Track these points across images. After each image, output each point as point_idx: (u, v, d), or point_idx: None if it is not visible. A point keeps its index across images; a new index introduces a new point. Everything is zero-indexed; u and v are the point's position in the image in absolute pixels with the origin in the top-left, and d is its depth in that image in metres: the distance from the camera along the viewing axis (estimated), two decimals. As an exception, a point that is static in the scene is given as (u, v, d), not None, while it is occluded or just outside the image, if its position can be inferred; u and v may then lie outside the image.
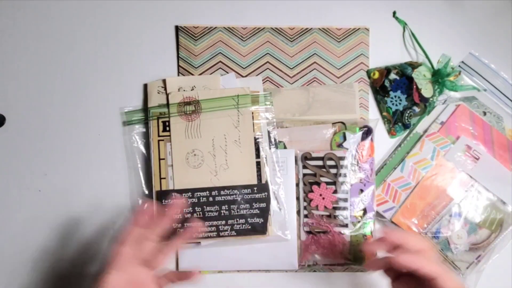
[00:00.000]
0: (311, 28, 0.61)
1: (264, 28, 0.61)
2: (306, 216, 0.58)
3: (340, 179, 0.57)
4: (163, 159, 0.57)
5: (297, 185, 0.58)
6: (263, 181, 0.57)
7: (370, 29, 0.62)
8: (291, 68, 0.61)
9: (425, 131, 0.60)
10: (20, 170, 0.59)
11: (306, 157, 0.58)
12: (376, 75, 0.61)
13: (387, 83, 0.60)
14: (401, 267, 0.46)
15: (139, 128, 0.59)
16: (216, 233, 0.56)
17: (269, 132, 0.58)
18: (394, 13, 0.63)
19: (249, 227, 0.56)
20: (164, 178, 0.57)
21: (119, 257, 0.47)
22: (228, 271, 0.59)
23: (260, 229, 0.56)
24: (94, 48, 0.61)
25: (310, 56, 0.61)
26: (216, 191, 0.56)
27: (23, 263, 0.58)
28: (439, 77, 0.59)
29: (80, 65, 0.61)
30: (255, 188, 0.56)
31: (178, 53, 0.61)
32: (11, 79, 0.60)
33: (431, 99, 0.59)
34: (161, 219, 0.50)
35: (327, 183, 0.57)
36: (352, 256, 0.57)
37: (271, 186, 0.57)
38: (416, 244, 0.47)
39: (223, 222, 0.56)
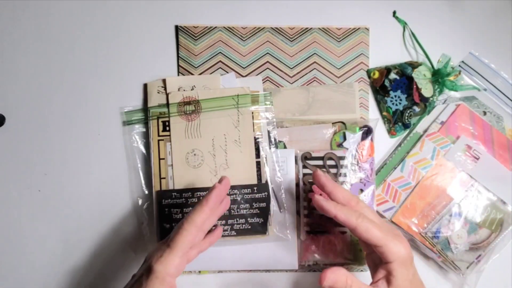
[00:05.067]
0: (311, 28, 0.61)
1: (264, 28, 0.61)
2: (306, 216, 0.58)
3: (340, 178, 0.57)
4: (163, 159, 0.57)
5: (297, 185, 0.58)
6: (263, 181, 0.56)
7: (370, 29, 0.62)
8: (291, 68, 0.61)
9: (425, 131, 0.60)
10: (20, 170, 0.59)
11: (306, 157, 0.58)
12: (376, 75, 0.61)
13: (387, 83, 0.60)
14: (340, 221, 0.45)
15: (139, 128, 0.59)
16: (216, 233, 0.56)
17: (269, 132, 0.58)
18: (394, 13, 0.63)
19: (249, 227, 0.56)
20: (164, 178, 0.57)
21: (186, 239, 0.43)
22: (228, 271, 0.59)
23: (260, 229, 0.56)
24: (94, 48, 0.61)
25: (310, 56, 0.61)
26: (216, 191, 0.56)
27: (22, 263, 0.58)
28: (439, 77, 0.59)
29: (80, 65, 0.61)
30: (255, 188, 0.56)
31: (178, 53, 0.61)
32: (11, 79, 0.60)
33: (431, 98, 0.59)
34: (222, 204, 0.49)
35: (327, 183, 0.57)
36: (352, 256, 0.57)
37: (271, 186, 0.57)
38: (346, 196, 0.47)
39: (223, 222, 0.56)
